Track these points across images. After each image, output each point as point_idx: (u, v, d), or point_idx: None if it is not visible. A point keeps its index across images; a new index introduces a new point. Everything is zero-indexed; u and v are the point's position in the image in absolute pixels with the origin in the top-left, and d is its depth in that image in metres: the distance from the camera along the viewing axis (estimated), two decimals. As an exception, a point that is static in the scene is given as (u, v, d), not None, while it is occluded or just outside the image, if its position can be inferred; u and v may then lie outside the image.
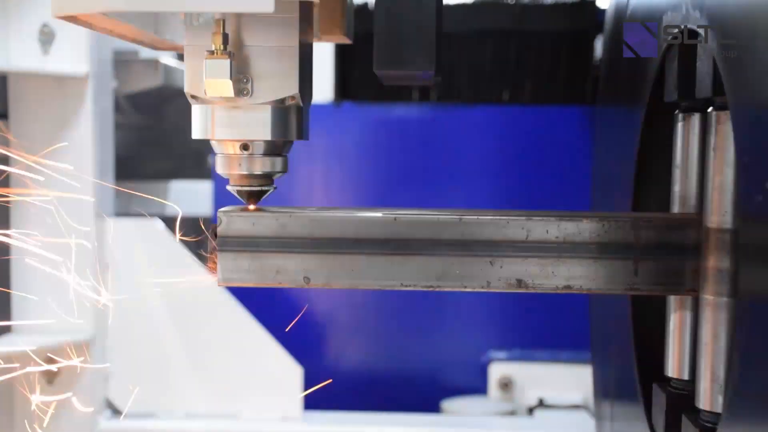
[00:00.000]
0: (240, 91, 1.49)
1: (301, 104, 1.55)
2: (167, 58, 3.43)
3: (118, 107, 3.27)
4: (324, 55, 3.31)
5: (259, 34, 1.48)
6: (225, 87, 1.45)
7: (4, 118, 2.96)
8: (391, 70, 1.53)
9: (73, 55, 2.88)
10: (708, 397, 1.45)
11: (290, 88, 1.50)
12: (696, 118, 1.58)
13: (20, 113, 2.94)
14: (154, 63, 3.34)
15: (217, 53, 1.43)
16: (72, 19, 1.33)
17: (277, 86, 1.50)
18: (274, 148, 1.57)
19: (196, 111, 1.53)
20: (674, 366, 1.64)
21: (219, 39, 1.43)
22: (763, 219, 1.18)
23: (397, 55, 1.52)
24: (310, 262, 1.55)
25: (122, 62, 3.25)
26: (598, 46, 3.30)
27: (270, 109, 1.52)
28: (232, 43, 1.46)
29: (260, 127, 1.52)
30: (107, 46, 3.06)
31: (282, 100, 1.51)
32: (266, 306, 3.33)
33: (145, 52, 3.33)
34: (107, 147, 3.04)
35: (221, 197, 3.28)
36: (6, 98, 2.95)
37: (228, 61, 1.43)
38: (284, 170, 1.60)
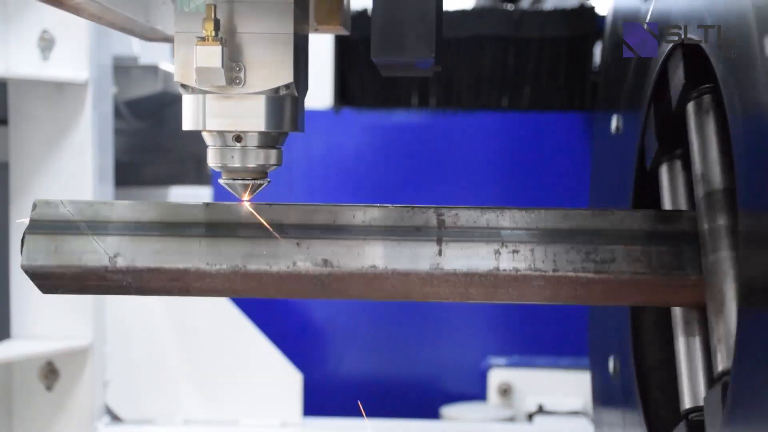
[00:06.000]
0: (232, 79, 1.43)
1: (296, 94, 1.49)
2: (167, 64, 3.43)
3: (117, 113, 3.27)
4: (323, 60, 3.31)
5: (253, 21, 1.43)
6: (216, 75, 1.40)
7: (4, 124, 2.96)
8: (389, 57, 1.46)
9: (73, 61, 2.88)
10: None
11: (285, 77, 1.45)
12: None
13: (20, 119, 2.94)
14: (154, 69, 3.34)
15: (208, 40, 1.38)
16: (57, 3, 1.30)
17: (271, 75, 1.44)
18: (268, 140, 1.51)
19: (187, 101, 1.48)
20: (690, 396, 1.61)
21: (210, 25, 1.38)
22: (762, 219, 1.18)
23: (395, 42, 1.44)
24: (118, 244, 1.54)
25: (122, 68, 3.24)
26: (597, 52, 3.30)
27: (264, 98, 1.46)
28: (224, 29, 1.41)
29: (254, 118, 1.46)
30: (107, 52, 3.05)
31: (276, 90, 1.46)
32: (266, 313, 3.32)
33: (145, 58, 3.33)
34: (107, 153, 3.04)
35: (221, 204, 3.27)
36: (6, 104, 2.95)
37: (219, 47, 1.38)
38: (278, 163, 1.54)
